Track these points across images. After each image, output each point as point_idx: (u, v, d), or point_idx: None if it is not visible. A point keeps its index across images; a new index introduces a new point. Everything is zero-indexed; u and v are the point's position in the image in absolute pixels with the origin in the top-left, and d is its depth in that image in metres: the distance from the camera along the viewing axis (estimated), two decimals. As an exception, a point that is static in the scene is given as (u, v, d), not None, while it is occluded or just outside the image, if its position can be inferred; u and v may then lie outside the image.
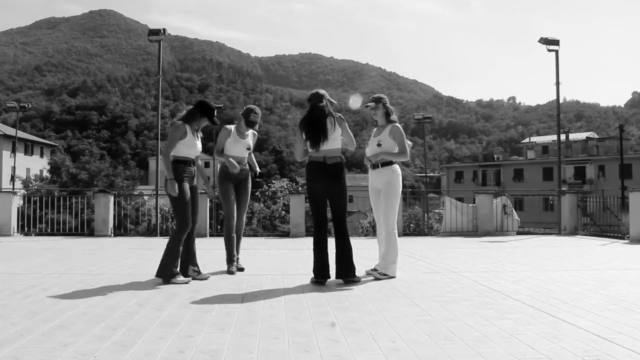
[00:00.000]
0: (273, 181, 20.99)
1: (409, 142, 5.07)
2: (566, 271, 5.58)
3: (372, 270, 5.04)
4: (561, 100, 13.84)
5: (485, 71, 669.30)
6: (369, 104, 5.09)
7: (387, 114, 5.04)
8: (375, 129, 5.15)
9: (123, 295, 4.11)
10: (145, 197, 19.69)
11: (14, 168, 33.61)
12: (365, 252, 6.90)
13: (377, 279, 4.88)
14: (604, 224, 12.60)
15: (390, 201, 4.90)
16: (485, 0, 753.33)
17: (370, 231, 13.57)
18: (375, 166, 4.99)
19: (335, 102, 4.85)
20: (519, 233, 12.11)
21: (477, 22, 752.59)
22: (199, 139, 4.98)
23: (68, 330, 3.00)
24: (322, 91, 4.82)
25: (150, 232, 12.43)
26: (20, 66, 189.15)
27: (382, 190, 4.93)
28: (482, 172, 56.81)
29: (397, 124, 4.99)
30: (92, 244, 9.07)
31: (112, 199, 11.32)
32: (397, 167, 5.01)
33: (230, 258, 5.43)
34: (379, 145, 4.96)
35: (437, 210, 18.51)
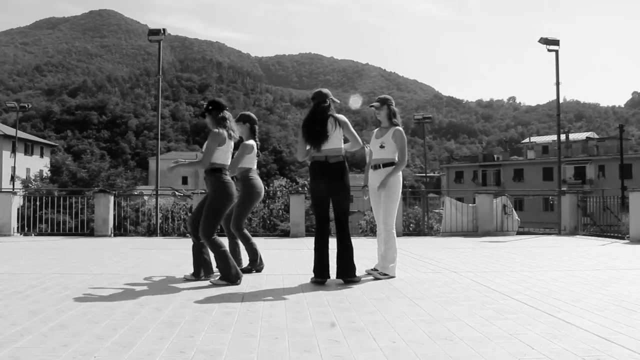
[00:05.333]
0: (273, 181, 20.99)
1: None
2: (566, 271, 5.58)
3: (372, 270, 5.04)
4: (561, 100, 13.85)
5: (485, 71, 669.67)
6: (373, 104, 5.10)
7: (391, 116, 5.05)
8: (377, 129, 5.15)
9: (123, 295, 4.11)
10: (145, 197, 19.69)
11: (14, 168, 33.66)
12: (365, 252, 6.91)
13: (377, 278, 4.88)
14: (604, 224, 12.59)
15: (390, 202, 4.90)
16: (484, 0, 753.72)
17: (369, 231, 13.55)
18: (376, 167, 5.00)
19: (338, 101, 4.85)
20: (519, 233, 12.11)
21: (477, 22, 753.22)
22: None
23: (68, 330, 3.00)
24: (325, 90, 4.81)
25: (151, 232, 12.42)
26: (20, 66, 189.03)
27: (381, 192, 4.93)
28: (482, 172, 56.82)
29: (400, 128, 5.01)
30: (92, 244, 9.07)
31: (112, 199, 11.32)
32: None
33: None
34: (381, 147, 4.97)
35: (437, 210, 18.51)
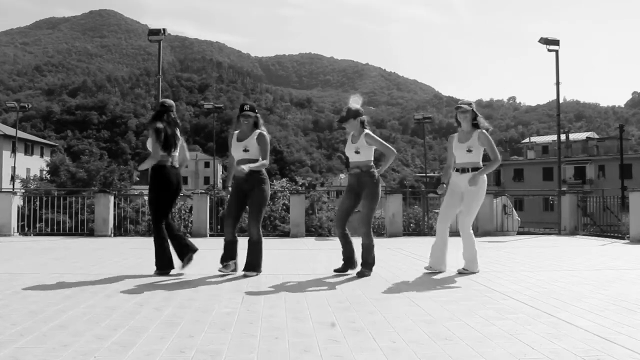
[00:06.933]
0: (273, 181, 20.95)
1: (489, 127, 5.20)
2: (566, 271, 5.58)
3: (462, 269, 5.25)
4: (561, 100, 13.84)
5: (485, 71, 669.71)
6: (461, 106, 5.13)
7: (474, 120, 5.10)
8: (458, 133, 5.19)
9: (123, 295, 4.11)
10: (146, 197, 19.68)
11: (14, 168, 33.62)
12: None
13: (460, 273, 5.14)
14: (604, 224, 12.59)
15: (472, 206, 5.07)
16: (484, 0, 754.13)
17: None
18: (464, 170, 5.08)
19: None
20: (519, 233, 12.12)
21: (476, 23, 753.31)
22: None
23: (68, 330, 3.00)
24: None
25: (151, 232, 12.41)
26: (20, 66, 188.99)
27: (466, 194, 5.05)
28: (482, 172, 56.74)
29: (485, 131, 5.08)
30: (92, 244, 9.07)
31: (112, 199, 11.32)
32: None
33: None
34: (469, 151, 5.05)
35: (437, 210, 18.47)
